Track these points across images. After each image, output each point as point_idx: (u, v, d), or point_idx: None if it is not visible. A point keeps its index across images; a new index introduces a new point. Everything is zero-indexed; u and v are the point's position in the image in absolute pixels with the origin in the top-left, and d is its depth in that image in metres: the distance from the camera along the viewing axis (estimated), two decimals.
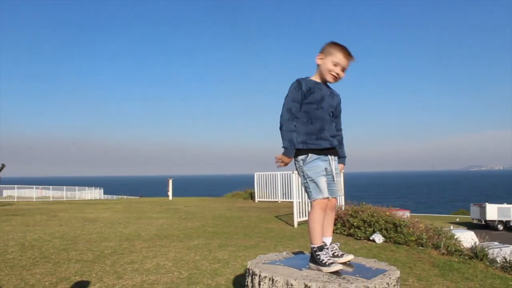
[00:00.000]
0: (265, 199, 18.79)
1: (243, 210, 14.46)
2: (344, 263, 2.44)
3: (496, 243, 19.19)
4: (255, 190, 19.29)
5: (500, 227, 43.37)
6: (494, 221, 43.51)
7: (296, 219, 10.25)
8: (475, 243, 7.64)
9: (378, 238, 8.21)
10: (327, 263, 2.27)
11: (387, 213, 8.89)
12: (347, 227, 9.14)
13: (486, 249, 7.42)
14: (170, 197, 23.61)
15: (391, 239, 8.18)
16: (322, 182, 2.51)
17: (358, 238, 8.56)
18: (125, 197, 40.18)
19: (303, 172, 2.56)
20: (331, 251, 2.51)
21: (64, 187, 38.32)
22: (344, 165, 2.94)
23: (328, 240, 2.55)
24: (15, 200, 28.98)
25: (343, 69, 2.64)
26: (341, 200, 11.69)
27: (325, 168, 2.56)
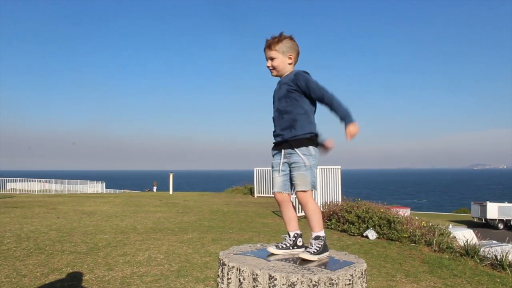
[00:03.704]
0: (264, 195, 18.83)
1: (241, 205, 14.53)
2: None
3: (494, 241, 19.19)
4: (254, 186, 19.34)
5: (501, 226, 43.15)
6: (495, 219, 43.31)
7: None
8: (467, 240, 7.67)
9: (371, 234, 8.25)
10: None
11: (382, 210, 8.93)
12: (342, 222, 9.20)
13: (478, 246, 7.45)
14: (171, 192, 23.68)
15: (385, 235, 8.22)
16: None
17: (352, 234, 8.60)
18: (127, 191, 40.27)
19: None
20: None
21: (66, 180, 38.40)
22: None
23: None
24: (18, 193, 29.12)
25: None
26: (338, 196, 11.74)
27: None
